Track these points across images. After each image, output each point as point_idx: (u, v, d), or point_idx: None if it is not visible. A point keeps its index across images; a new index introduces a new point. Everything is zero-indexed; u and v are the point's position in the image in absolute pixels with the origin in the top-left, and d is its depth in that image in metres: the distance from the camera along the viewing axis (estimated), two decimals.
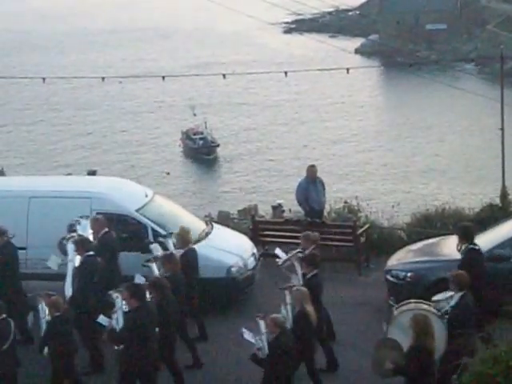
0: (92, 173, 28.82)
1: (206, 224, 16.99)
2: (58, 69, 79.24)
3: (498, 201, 19.72)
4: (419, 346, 10.46)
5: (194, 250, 14.46)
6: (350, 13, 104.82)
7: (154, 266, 13.68)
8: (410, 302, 11.94)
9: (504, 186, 20.27)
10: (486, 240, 14.98)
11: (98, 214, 15.61)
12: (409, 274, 14.74)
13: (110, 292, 12.13)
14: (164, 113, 69.18)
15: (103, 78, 24.35)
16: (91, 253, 13.79)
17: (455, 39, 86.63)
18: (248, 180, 52.81)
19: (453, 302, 11.73)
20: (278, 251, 14.38)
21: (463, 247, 13.40)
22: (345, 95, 71.90)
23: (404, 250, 16.15)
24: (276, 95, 71.85)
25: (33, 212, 15.78)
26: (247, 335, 11.67)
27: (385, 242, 18.30)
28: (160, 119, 67.74)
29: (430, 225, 18.54)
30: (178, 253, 14.13)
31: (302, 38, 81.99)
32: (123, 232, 15.70)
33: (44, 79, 24.06)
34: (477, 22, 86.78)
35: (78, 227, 14.73)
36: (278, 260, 14.14)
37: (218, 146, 58.70)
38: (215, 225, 17.29)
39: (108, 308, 12.11)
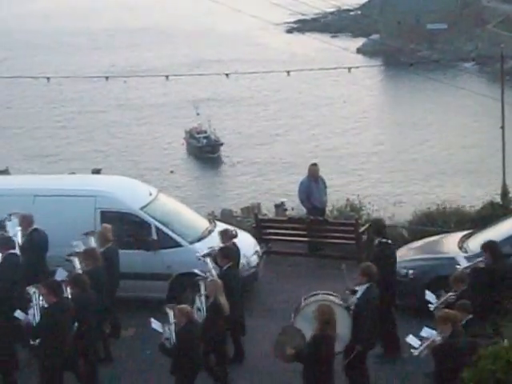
0: (96, 171, 28.86)
1: (209, 222, 17.10)
2: (62, 68, 79.38)
3: (498, 199, 19.84)
4: (322, 334, 10.73)
5: (114, 248, 14.48)
6: (352, 13, 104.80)
7: (76, 261, 13.75)
8: (317, 294, 12.26)
9: (505, 184, 20.41)
10: (486, 237, 15.13)
11: (102, 212, 15.77)
12: (410, 272, 14.85)
13: (28, 288, 12.19)
14: (167, 112, 69.26)
15: (107, 78, 24.46)
16: (13, 251, 13.83)
17: (456, 39, 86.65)
18: (251, 178, 52.92)
19: (359, 294, 11.99)
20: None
21: (375, 241, 13.73)
22: (346, 94, 71.97)
23: (405, 248, 16.24)
24: (278, 94, 71.93)
25: (37, 210, 15.73)
26: (155, 325, 11.78)
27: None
28: (164, 118, 67.83)
29: (431, 223, 18.63)
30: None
31: (304, 37, 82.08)
32: (127, 230, 15.82)
33: (48, 79, 24.14)
34: (477, 21, 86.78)
35: (7, 224, 14.75)
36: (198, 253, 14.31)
37: (221, 144, 58.86)
38: (218, 223, 17.40)
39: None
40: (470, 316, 11.41)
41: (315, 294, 12.25)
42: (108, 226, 14.75)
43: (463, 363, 10.60)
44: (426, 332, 11.08)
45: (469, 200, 22.32)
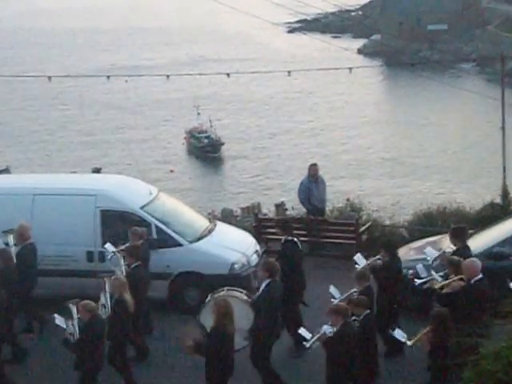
0: (97, 170, 28.90)
1: (210, 221, 17.12)
2: (63, 66, 79.44)
3: (499, 199, 19.84)
4: (219, 328, 10.94)
5: (31, 246, 14.47)
6: (353, 13, 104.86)
7: None
8: (223, 290, 12.65)
9: (505, 185, 20.39)
10: (486, 238, 15.16)
11: (102, 211, 15.78)
12: (410, 271, 14.86)
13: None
14: (168, 111, 69.29)
15: (108, 77, 24.45)
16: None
17: (456, 39, 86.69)
18: (251, 178, 52.95)
19: (260, 289, 12.28)
20: (107, 245, 14.55)
21: (282, 239, 14.08)
22: (347, 94, 72.00)
23: (405, 248, 16.26)
24: (279, 94, 71.97)
25: (37, 209, 15.87)
26: (58, 321, 11.87)
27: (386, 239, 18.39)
28: (164, 117, 67.88)
29: (431, 223, 18.64)
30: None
31: (306, 37, 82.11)
32: (127, 229, 15.88)
33: (50, 78, 24.11)
34: (478, 22, 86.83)
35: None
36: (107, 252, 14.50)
37: (222, 144, 58.90)
38: (218, 222, 17.41)
39: None
40: (368, 311, 11.66)
41: (221, 290, 12.63)
42: (26, 223, 14.70)
43: (353, 356, 11.06)
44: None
45: (469, 200, 22.29)
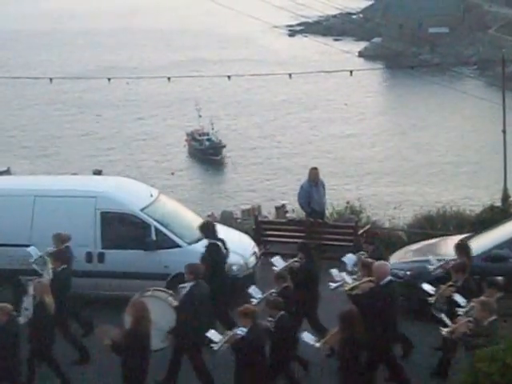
0: (97, 172, 28.95)
1: None
2: (64, 68, 79.55)
3: (499, 203, 19.87)
4: (134, 328, 11.13)
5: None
6: (354, 16, 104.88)
7: None
8: (148, 290, 12.89)
9: (505, 188, 20.44)
10: (484, 240, 15.19)
11: (102, 212, 15.81)
12: (408, 273, 14.90)
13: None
14: (169, 113, 69.35)
15: (109, 79, 24.49)
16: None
17: (457, 43, 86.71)
18: (252, 180, 53.00)
19: (184, 291, 12.52)
20: (31, 249, 14.72)
21: (206, 241, 14.44)
22: (348, 97, 72.03)
23: (404, 250, 16.32)
24: (280, 96, 72.01)
25: (38, 211, 15.92)
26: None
27: (386, 242, 18.43)
28: (165, 119, 67.94)
29: (431, 226, 18.67)
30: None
31: (307, 40, 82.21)
32: (128, 231, 15.94)
33: (51, 79, 24.16)
34: (479, 25, 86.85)
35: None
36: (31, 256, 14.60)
37: (224, 146, 58.93)
38: (218, 224, 17.41)
39: None
40: (282, 313, 11.79)
41: (147, 290, 12.86)
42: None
43: (262, 356, 11.20)
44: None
45: (469, 204, 22.35)
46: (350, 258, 13.89)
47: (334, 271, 13.09)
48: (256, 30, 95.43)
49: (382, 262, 12.54)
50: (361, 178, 51.93)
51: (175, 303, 12.60)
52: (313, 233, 18.19)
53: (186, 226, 16.45)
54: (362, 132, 63.01)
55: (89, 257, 15.62)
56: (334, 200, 20.44)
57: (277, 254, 17.79)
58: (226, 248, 14.62)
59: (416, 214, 19.95)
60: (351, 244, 17.65)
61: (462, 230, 17.35)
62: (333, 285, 12.82)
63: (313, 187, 18.33)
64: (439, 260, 13.91)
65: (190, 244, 15.73)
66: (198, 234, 16.08)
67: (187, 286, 12.55)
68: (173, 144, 61.26)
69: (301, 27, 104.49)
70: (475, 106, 61.32)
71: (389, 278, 12.08)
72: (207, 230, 14.68)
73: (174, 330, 12.33)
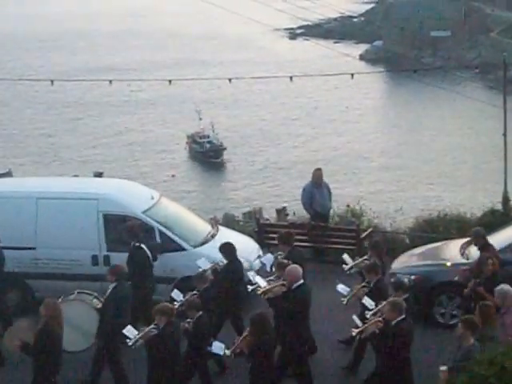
0: (98, 175, 28.88)
1: (212, 226, 17.14)
2: (66, 69, 79.61)
3: (499, 206, 19.86)
4: (46, 329, 11.25)
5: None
6: (355, 19, 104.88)
7: None
8: (72, 293, 13.20)
9: (506, 192, 20.42)
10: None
11: (104, 215, 15.82)
12: (412, 277, 14.88)
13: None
14: (170, 115, 69.36)
15: (110, 81, 24.46)
16: None
17: (459, 46, 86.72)
18: (253, 183, 53.01)
19: (107, 292, 12.73)
20: None
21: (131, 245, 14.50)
22: (349, 100, 72.05)
23: (408, 254, 16.30)
24: (281, 99, 72.03)
25: (41, 213, 15.92)
26: None
27: (388, 246, 18.42)
28: (166, 121, 67.95)
29: (432, 229, 18.66)
30: None
31: (308, 43, 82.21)
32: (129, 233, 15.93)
33: (52, 81, 24.14)
34: (480, 29, 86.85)
35: None
36: None
37: (224, 149, 58.95)
38: (221, 227, 17.42)
39: None
40: (200, 313, 11.99)
41: (71, 294, 13.15)
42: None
43: (175, 354, 11.46)
44: None
45: (470, 207, 22.31)
46: (268, 259, 13.97)
47: (252, 273, 13.21)
48: (257, 33, 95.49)
49: (294, 265, 12.59)
50: (361, 181, 51.93)
51: (99, 305, 12.82)
52: (314, 236, 18.18)
53: (189, 228, 16.45)
54: (363, 134, 63.00)
55: (94, 260, 15.63)
56: (335, 203, 20.36)
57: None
58: (151, 251, 14.67)
59: (417, 217, 19.91)
60: (354, 247, 17.69)
61: (464, 233, 17.33)
62: (250, 287, 12.94)
63: (316, 189, 18.28)
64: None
65: (194, 247, 15.72)
66: (202, 236, 16.12)
67: (110, 287, 12.78)
68: (173, 146, 61.26)
69: (302, 30, 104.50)
70: (476, 110, 61.31)
71: (301, 281, 12.23)
72: (134, 232, 14.70)
73: (98, 330, 12.53)
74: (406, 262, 15.62)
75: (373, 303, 11.96)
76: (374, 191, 48.37)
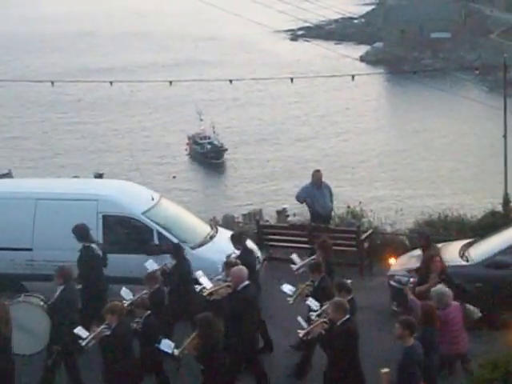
0: (99, 176, 28.77)
1: (211, 227, 17.12)
2: (67, 70, 79.62)
3: (500, 208, 19.85)
4: None
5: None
6: (356, 21, 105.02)
7: None
8: (20, 296, 13.13)
9: (506, 193, 20.42)
10: (487, 246, 15.16)
11: (104, 216, 15.79)
12: (411, 279, 14.85)
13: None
14: (170, 116, 69.41)
15: (111, 83, 24.45)
16: None
17: (459, 48, 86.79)
18: (253, 184, 53.04)
19: (55, 295, 12.71)
20: None
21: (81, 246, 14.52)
22: (349, 101, 72.09)
23: (407, 256, 16.27)
24: (281, 100, 72.07)
25: (39, 214, 15.90)
26: None
27: (388, 247, 18.42)
28: (166, 122, 67.98)
29: (432, 231, 18.62)
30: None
31: (308, 44, 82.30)
32: (129, 234, 15.92)
33: (53, 83, 24.12)
34: (481, 31, 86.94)
35: None
36: None
37: (225, 150, 58.95)
38: (220, 228, 17.40)
39: None
40: (149, 312, 12.06)
41: (18, 296, 13.09)
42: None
43: (128, 353, 11.51)
44: None
45: (470, 209, 22.33)
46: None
47: (199, 273, 13.21)
48: (258, 35, 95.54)
49: (240, 267, 12.66)
50: (361, 182, 51.95)
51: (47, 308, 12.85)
52: (315, 237, 18.14)
53: (188, 230, 16.42)
54: (363, 136, 63.04)
55: None
56: (335, 204, 20.34)
57: (278, 258, 17.97)
58: (102, 251, 14.66)
59: (417, 218, 19.90)
60: (354, 249, 17.67)
61: (464, 235, 17.33)
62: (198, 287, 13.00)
63: (315, 190, 18.28)
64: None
65: (193, 248, 15.70)
66: (201, 238, 16.07)
67: (58, 289, 12.76)
68: (174, 147, 61.29)
69: (302, 31, 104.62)
70: (476, 111, 61.36)
71: (246, 282, 12.28)
72: (85, 233, 14.65)
73: (51, 335, 12.54)
74: (405, 264, 15.59)
75: (317, 304, 12.04)
76: (375, 192, 48.40)
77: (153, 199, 16.63)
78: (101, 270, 14.47)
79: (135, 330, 11.97)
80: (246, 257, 13.96)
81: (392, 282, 15.19)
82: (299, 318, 11.73)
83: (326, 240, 14.77)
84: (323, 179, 18.63)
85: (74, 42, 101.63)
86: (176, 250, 14.21)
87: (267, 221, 21.72)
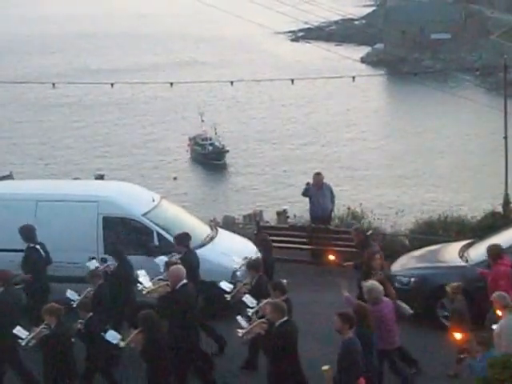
0: (99, 177, 28.89)
1: (211, 228, 17.14)
2: (68, 71, 79.67)
3: (500, 209, 19.87)
4: None
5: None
6: (356, 22, 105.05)
7: None
8: None
9: (506, 194, 20.45)
10: (486, 247, 15.14)
11: (104, 217, 15.81)
12: (412, 280, 14.87)
13: None
14: (172, 118, 69.42)
15: (112, 84, 24.48)
16: None
17: (459, 49, 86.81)
18: (254, 185, 53.04)
19: None
20: None
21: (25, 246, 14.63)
22: (350, 103, 72.09)
23: (407, 256, 16.28)
24: (282, 101, 72.09)
25: (40, 215, 15.92)
26: None
27: (388, 248, 18.44)
28: (168, 123, 67.99)
29: (432, 232, 18.66)
30: None
31: (309, 46, 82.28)
32: (130, 236, 15.93)
33: (54, 84, 24.13)
34: (481, 32, 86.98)
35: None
36: None
37: (227, 151, 58.98)
38: (220, 229, 17.42)
39: None
40: (91, 314, 12.27)
41: None
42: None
43: (69, 352, 11.70)
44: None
45: (470, 209, 22.35)
46: (161, 260, 14.11)
47: (142, 272, 13.36)
48: (258, 36, 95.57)
49: (176, 266, 12.88)
50: (361, 183, 51.95)
51: None
52: (314, 238, 18.18)
53: (188, 231, 16.43)
54: (363, 137, 63.06)
55: None
56: (335, 205, 20.38)
57: (278, 259, 17.97)
58: (45, 252, 14.74)
59: (417, 219, 19.92)
60: (354, 250, 17.67)
61: (464, 235, 17.35)
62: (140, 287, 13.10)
63: (316, 192, 18.30)
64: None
65: (194, 249, 15.70)
66: (200, 239, 16.10)
67: None
68: (175, 149, 61.31)
69: (303, 33, 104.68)
70: (477, 112, 61.36)
71: (183, 281, 12.52)
72: (30, 235, 14.74)
73: None
74: (405, 264, 15.61)
75: (254, 301, 12.23)
76: (375, 193, 48.40)
77: (153, 201, 16.66)
78: (45, 271, 14.65)
79: (79, 330, 12.22)
80: (188, 257, 14.13)
81: (392, 282, 15.18)
82: (238, 318, 11.90)
83: (266, 238, 14.88)
84: (324, 180, 18.67)
85: (75, 43, 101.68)
86: (117, 253, 14.35)
87: (267, 222, 21.74)
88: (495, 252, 13.61)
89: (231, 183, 55.00)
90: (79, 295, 13.14)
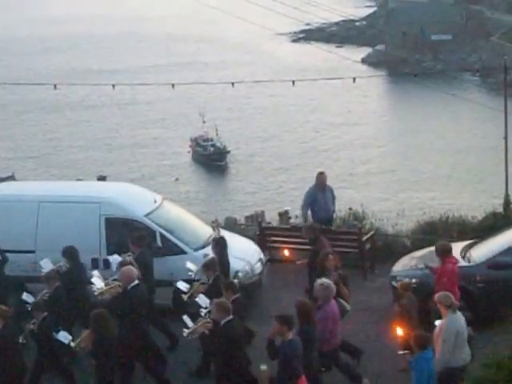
0: (102, 178, 28.86)
1: (213, 229, 17.18)
2: (69, 72, 79.73)
3: (501, 209, 19.90)
4: None
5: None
6: (357, 23, 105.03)
7: None
8: None
9: (507, 195, 20.48)
10: (488, 247, 15.21)
11: (107, 218, 15.84)
12: (413, 280, 14.91)
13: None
14: (173, 119, 69.45)
15: (114, 86, 24.54)
16: None
17: (460, 50, 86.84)
18: (256, 186, 53.06)
19: None
20: None
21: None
22: (351, 104, 72.12)
23: (408, 257, 16.31)
24: (283, 103, 72.10)
25: (42, 216, 15.97)
26: None
27: (389, 248, 18.49)
28: (169, 124, 68.02)
29: (433, 232, 18.68)
30: None
31: (310, 47, 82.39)
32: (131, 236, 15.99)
33: (55, 86, 24.19)
34: (481, 33, 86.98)
35: None
36: None
37: (228, 152, 59.02)
38: (222, 230, 17.44)
39: None
40: (45, 314, 12.49)
41: None
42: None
43: (16, 353, 11.81)
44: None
45: (471, 210, 22.37)
46: (115, 259, 14.22)
47: (95, 273, 13.49)
48: (259, 37, 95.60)
49: (129, 267, 13.04)
50: (362, 184, 51.98)
51: None
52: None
53: (190, 231, 16.48)
54: (364, 138, 63.07)
55: (94, 263, 15.63)
56: (337, 206, 20.41)
57: (280, 260, 18.03)
58: (2, 254, 14.88)
59: (418, 220, 19.95)
60: (356, 250, 17.72)
61: (465, 236, 17.38)
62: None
63: (319, 192, 18.27)
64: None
65: (195, 250, 15.76)
66: (203, 240, 16.14)
67: None
68: (177, 150, 61.34)
69: (304, 34, 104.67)
70: (477, 113, 61.39)
71: (135, 282, 12.68)
72: None
73: None
74: (406, 265, 15.65)
75: (207, 301, 12.31)
76: (376, 194, 48.43)
77: (155, 201, 16.69)
78: (2, 274, 14.77)
79: (32, 330, 12.39)
80: (142, 258, 14.21)
81: (394, 283, 15.24)
82: (184, 317, 12.01)
83: (222, 238, 14.94)
84: (327, 181, 18.69)
85: (76, 45, 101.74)
86: (70, 253, 14.41)
87: (269, 223, 21.76)
88: (444, 249, 13.67)
89: (233, 184, 55.04)
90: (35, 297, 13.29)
